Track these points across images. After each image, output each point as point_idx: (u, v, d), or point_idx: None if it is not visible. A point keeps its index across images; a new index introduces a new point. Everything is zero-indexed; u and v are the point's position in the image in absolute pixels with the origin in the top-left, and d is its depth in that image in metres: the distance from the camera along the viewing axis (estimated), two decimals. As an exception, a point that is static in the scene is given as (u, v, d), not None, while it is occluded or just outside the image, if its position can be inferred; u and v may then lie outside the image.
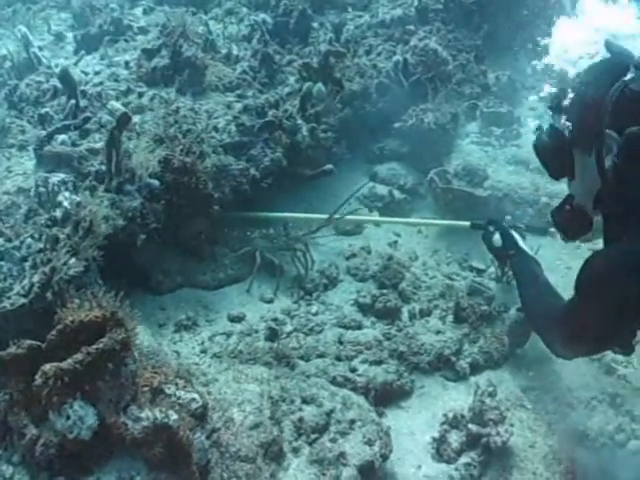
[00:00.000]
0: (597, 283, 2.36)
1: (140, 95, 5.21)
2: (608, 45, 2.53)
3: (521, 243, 3.62)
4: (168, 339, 4.05)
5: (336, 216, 4.90)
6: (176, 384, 3.08)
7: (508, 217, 4.04)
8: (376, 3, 7.17)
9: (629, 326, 2.39)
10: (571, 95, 2.54)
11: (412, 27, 6.72)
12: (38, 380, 2.59)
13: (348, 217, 5.03)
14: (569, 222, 2.71)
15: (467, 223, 4.39)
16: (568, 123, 2.53)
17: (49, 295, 2.95)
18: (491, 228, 3.86)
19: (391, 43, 6.56)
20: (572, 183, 2.66)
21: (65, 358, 2.67)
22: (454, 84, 6.37)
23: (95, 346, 2.69)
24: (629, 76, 2.30)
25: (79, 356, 2.66)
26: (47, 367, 2.61)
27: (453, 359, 4.18)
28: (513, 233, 3.71)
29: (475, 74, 6.78)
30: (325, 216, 4.91)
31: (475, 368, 4.21)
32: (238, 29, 6.59)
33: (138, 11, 7.32)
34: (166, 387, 3.04)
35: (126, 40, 6.37)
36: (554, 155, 2.61)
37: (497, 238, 3.77)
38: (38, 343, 2.75)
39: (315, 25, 6.67)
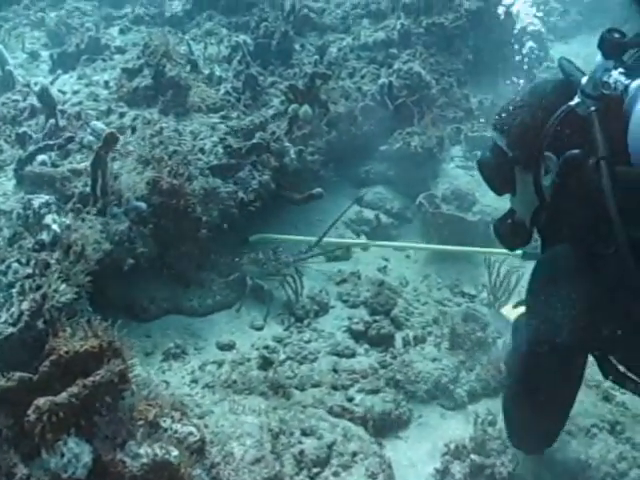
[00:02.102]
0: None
1: (122, 115, 5.07)
2: (561, 65, 2.59)
3: None
4: (156, 368, 3.87)
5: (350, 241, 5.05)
6: (172, 417, 2.92)
7: None
8: (357, 26, 7.14)
9: None
10: (513, 115, 2.59)
11: (395, 50, 6.67)
12: (31, 415, 2.42)
13: (361, 242, 5.12)
14: (510, 234, 2.85)
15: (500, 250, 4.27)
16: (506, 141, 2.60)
17: (40, 324, 2.77)
18: None
19: (374, 66, 6.50)
20: (513, 199, 2.76)
21: (59, 391, 2.51)
22: (437, 108, 6.31)
23: (92, 378, 2.53)
24: (575, 101, 2.40)
25: (75, 389, 2.50)
26: (41, 401, 2.44)
27: (451, 387, 4.05)
28: None
29: (458, 98, 6.78)
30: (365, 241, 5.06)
31: (473, 396, 4.08)
32: (218, 50, 6.51)
33: (114, 31, 7.22)
34: (162, 420, 2.87)
35: (104, 59, 6.27)
36: (496, 172, 2.70)
37: None
38: (29, 375, 2.58)
39: (297, 47, 6.60)
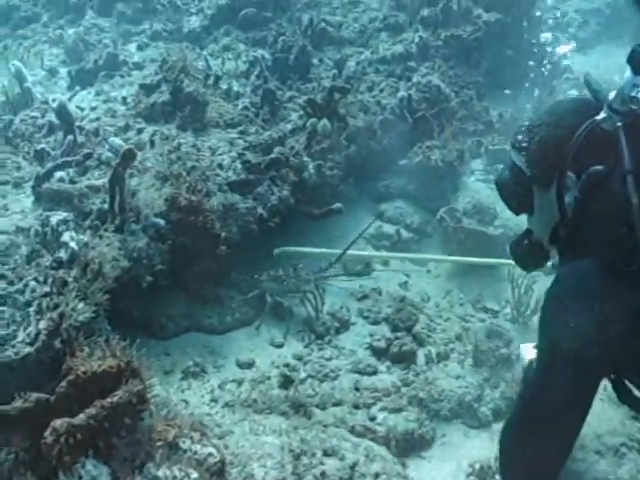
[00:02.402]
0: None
1: (139, 131, 5.04)
2: (587, 81, 2.54)
3: None
4: (175, 387, 3.82)
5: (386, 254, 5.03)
6: (191, 437, 2.86)
7: None
8: (375, 39, 7.09)
9: None
10: (532, 134, 2.54)
11: (413, 63, 6.62)
12: (48, 438, 2.37)
13: (382, 254, 5.10)
14: (527, 255, 2.77)
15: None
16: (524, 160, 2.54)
17: (57, 343, 2.72)
18: None
19: (393, 79, 6.45)
20: (530, 218, 2.70)
21: (76, 412, 2.46)
22: (457, 120, 6.24)
23: (110, 399, 2.48)
24: (601, 115, 2.34)
25: (92, 410, 2.45)
26: (58, 423, 2.40)
27: (475, 405, 3.96)
28: None
29: (477, 111, 6.71)
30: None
31: (497, 415, 3.99)
32: (236, 65, 6.48)
33: (132, 47, 7.23)
34: (181, 441, 2.81)
35: (122, 76, 6.27)
36: (514, 191, 2.65)
37: None
38: (46, 396, 2.53)
39: (315, 61, 6.56)
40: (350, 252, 4.85)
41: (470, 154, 6.21)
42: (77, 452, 2.40)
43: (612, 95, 2.35)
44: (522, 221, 5.38)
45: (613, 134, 2.30)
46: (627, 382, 2.51)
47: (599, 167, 2.32)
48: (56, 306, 2.82)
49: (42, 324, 2.74)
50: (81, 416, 2.42)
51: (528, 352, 3.31)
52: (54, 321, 2.74)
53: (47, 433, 2.37)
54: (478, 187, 5.93)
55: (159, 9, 7.86)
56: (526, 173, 2.55)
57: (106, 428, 2.45)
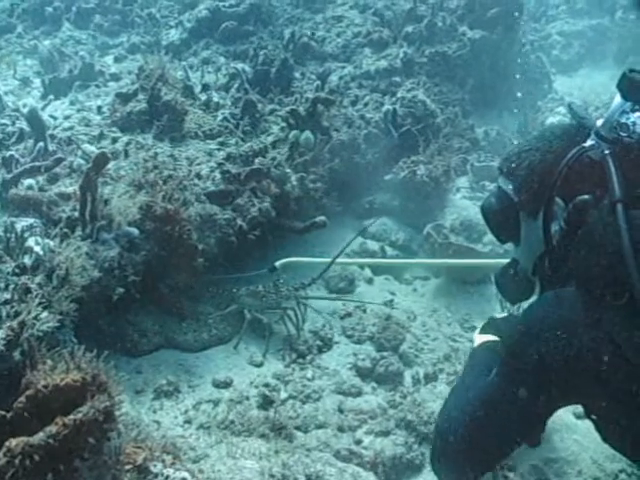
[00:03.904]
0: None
1: (114, 140, 4.84)
2: (571, 109, 2.50)
3: None
4: (147, 407, 3.58)
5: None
6: (163, 461, 2.64)
7: None
8: (359, 54, 6.96)
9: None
10: (520, 159, 2.48)
11: (398, 79, 6.49)
12: (2, 459, 2.12)
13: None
14: (512, 286, 2.68)
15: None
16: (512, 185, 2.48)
17: (17, 354, 2.48)
18: None
19: (377, 94, 6.30)
20: (516, 248, 2.59)
21: (36, 431, 2.21)
22: (443, 137, 6.10)
23: (73, 416, 2.23)
24: (589, 143, 2.29)
25: (53, 428, 2.20)
26: (13, 443, 2.15)
27: (466, 429, 3.75)
28: None
29: (463, 128, 6.57)
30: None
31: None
32: (216, 78, 6.30)
33: (109, 59, 7.05)
34: (152, 465, 2.57)
35: (97, 86, 6.08)
36: (501, 218, 2.54)
37: None
38: (2, 412, 2.28)
39: (297, 75, 6.40)
40: (344, 261, 4.71)
41: (456, 171, 6.05)
42: (34, 475, 2.15)
43: (599, 122, 2.30)
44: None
45: (600, 162, 2.22)
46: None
47: (585, 196, 2.24)
48: (17, 314, 2.58)
49: (0, 333, 2.50)
50: (40, 435, 2.17)
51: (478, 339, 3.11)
52: (14, 330, 2.50)
53: (1, 454, 2.13)
54: (465, 204, 5.77)
55: (137, 22, 7.70)
56: (513, 199, 2.46)
57: (68, 449, 2.20)
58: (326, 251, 5.11)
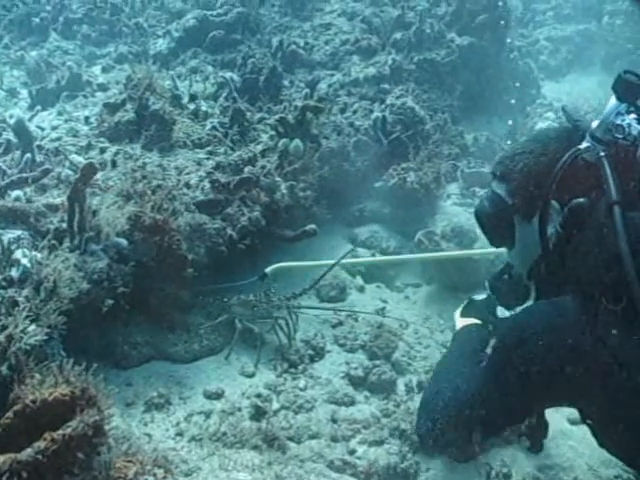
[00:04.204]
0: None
1: (102, 151, 4.82)
2: (566, 112, 2.48)
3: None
4: (137, 420, 3.53)
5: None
6: (154, 475, 2.60)
7: None
8: (347, 62, 6.94)
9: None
10: (514, 162, 2.46)
11: (387, 86, 6.47)
12: (-11, 475, 2.08)
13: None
14: (507, 291, 2.70)
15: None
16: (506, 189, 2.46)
17: (4, 369, 2.43)
18: None
19: (366, 102, 6.28)
20: (511, 252, 2.57)
21: (24, 447, 2.17)
22: (432, 144, 6.08)
23: (62, 431, 2.20)
24: (584, 145, 2.27)
25: (42, 444, 2.16)
26: (0, 459, 2.11)
27: (460, 437, 3.72)
28: None
29: (453, 135, 6.55)
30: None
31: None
32: (204, 87, 6.27)
33: (97, 69, 7.01)
34: (143, 479, 2.53)
35: (85, 96, 6.04)
36: (495, 222, 2.51)
37: None
38: (-11, 428, 2.25)
39: (286, 83, 6.38)
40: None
41: (446, 178, 6.03)
42: (23, 492, 2.11)
43: (594, 124, 2.27)
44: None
45: (595, 164, 2.21)
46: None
47: (581, 200, 2.22)
48: (4, 328, 2.54)
49: (-13, 348, 2.46)
50: (28, 451, 2.14)
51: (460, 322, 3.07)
52: (1, 344, 2.46)
53: (-12, 470, 2.09)
54: (456, 211, 5.75)
55: (125, 31, 7.67)
56: (507, 202, 2.44)
57: (57, 465, 2.17)
58: (317, 259, 5.06)
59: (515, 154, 2.45)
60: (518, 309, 2.73)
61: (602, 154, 2.20)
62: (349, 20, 7.56)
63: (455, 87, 7.12)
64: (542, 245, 2.33)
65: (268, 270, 4.41)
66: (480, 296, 3.11)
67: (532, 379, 2.15)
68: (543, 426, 2.71)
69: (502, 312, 2.96)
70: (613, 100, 2.22)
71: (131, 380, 3.81)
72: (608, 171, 2.16)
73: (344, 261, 4.67)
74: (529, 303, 2.60)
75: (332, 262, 4.53)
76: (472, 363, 2.39)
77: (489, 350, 2.37)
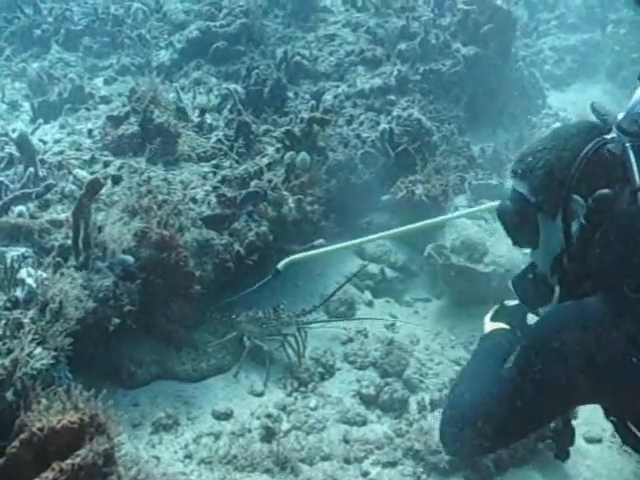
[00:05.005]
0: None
1: (106, 164, 4.72)
2: (594, 108, 2.42)
3: None
4: (145, 442, 3.45)
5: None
6: (165, 503, 2.50)
7: None
8: (352, 73, 6.84)
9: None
10: (535, 159, 2.39)
11: (393, 97, 6.39)
12: (-4, 509, 1.99)
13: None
14: (531, 291, 2.56)
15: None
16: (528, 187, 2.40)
17: (9, 395, 2.35)
18: None
19: (372, 113, 6.20)
20: (534, 251, 2.50)
21: (31, 478, 2.08)
22: (439, 155, 6.01)
23: (70, 461, 2.11)
24: (610, 135, 2.23)
25: (50, 475, 2.08)
26: (8, 491, 2.02)
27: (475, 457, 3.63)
28: None
29: (459, 146, 6.46)
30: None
31: (499, 466, 3.66)
32: (208, 99, 6.19)
33: (99, 81, 6.93)
34: (153, 508, 2.44)
35: (88, 109, 5.95)
36: (518, 221, 2.45)
37: None
38: (-5, 458, 2.16)
39: (290, 94, 6.30)
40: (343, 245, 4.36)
41: (454, 190, 5.94)
42: (31, 525, 2.02)
43: (621, 115, 2.23)
44: (513, 258, 5.16)
45: (621, 156, 2.16)
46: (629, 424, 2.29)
47: (606, 190, 2.15)
48: (9, 351, 2.45)
49: (-8, 373, 2.37)
50: (36, 481, 2.05)
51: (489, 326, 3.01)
52: (6, 369, 2.37)
53: (-5, 503, 2.00)
54: (464, 223, 5.65)
55: (127, 43, 7.58)
56: (530, 200, 2.37)
57: (66, 496, 2.08)
58: (324, 272, 5.02)
59: (536, 151, 2.40)
60: (542, 310, 2.70)
61: (627, 144, 2.16)
62: (353, 31, 7.46)
63: (461, 97, 7.03)
64: (566, 240, 2.28)
65: (280, 266, 4.25)
66: (512, 302, 3.06)
67: (558, 379, 2.10)
68: (570, 432, 2.64)
69: (532, 319, 2.90)
70: (639, 91, 2.19)
71: (138, 400, 3.74)
72: (633, 160, 2.12)
73: (352, 242, 4.48)
74: (553, 303, 2.51)
75: (342, 245, 4.35)
76: (496, 366, 2.33)
77: (514, 352, 2.33)
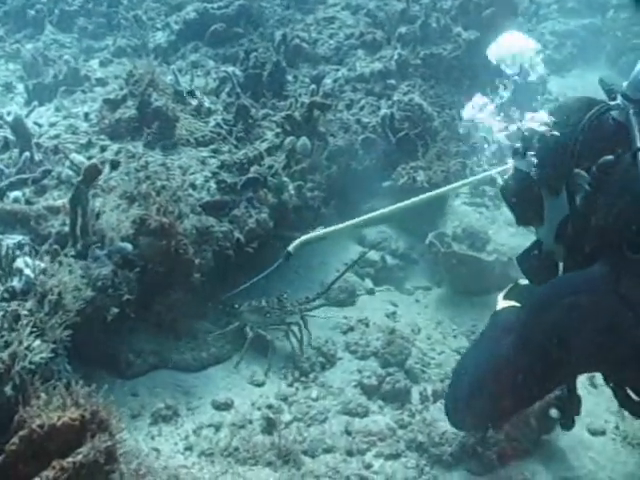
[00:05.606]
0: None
1: (103, 149, 4.62)
2: (602, 81, 2.49)
3: None
4: (144, 433, 3.38)
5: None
6: (167, 499, 2.44)
7: None
8: (352, 57, 6.74)
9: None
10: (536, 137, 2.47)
11: (393, 81, 6.30)
12: (-5, 508, 1.93)
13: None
14: (536, 267, 2.67)
15: None
16: (534, 161, 2.47)
17: (8, 389, 2.28)
18: None
19: (373, 98, 6.11)
20: (539, 228, 2.62)
21: (31, 476, 2.02)
22: (440, 141, 5.93)
23: (72, 459, 2.05)
24: (615, 102, 2.31)
25: (50, 473, 2.02)
26: (7, 491, 1.96)
27: (479, 449, 3.58)
28: None
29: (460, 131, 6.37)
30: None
31: (502, 458, 3.62)
32: (206, 82, 6.08)
33: (94, 63, 6.82)
34: (155, 504, 2.39)
35: (84, 91, 5.84)
36: (521, 198, 2.56)
37: None
38: (-7, 455, 2.10)
39: (290, 78, 6.20)
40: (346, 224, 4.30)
41: (455, 176, 5.87)
42: (31, 525, 1.97)
43: (625, 84, 2.30)
44: (516, 245, 5.10)
45: (624, 124, 2.24)
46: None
47: (609, 157, 2.22)
48: (7, 345, 2.38)
49: (-11, 367, 2.30)
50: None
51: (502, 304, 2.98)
52: (4, 363, 2.30)
53: (-6, 502, 1.94)
54: (466, 211, 5.61)
55: (123, 24, 7.45)
56: (533, 177, 2.45)
57: (66, 495, 2.02)
58: (326, 260, 4.96)
59: (537, 129, 2.44)
60: None
61: (631, 111, 2.22)
62: (353, 13, 7.35)
63: (462, 82, 6.94)
64: (570, 205, 2.34)
65: (291, 248, 4.16)
66: (525, 281, 3.04)
67: (559, 344, 2.15)
68: (576, 401, 2.64)
69: None
70: None
71: (136, 390, 3.67)
72: (635, 125, 2.18)
73: (359, 219, 4.38)
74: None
75: (354, 221, 4.26)
76: (503, 337, 2.39)
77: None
